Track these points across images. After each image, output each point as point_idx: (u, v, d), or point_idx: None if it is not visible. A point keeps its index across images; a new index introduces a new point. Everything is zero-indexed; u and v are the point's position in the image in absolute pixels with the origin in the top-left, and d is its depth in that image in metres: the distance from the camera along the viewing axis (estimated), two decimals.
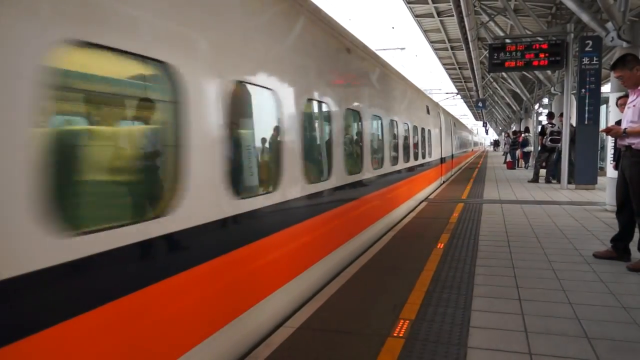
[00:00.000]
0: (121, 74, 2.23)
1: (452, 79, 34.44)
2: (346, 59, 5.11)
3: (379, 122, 6.37)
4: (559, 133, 12.45)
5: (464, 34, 14.95)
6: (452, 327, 2.99)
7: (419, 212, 7.87)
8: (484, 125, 59.88)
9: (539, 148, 13.97)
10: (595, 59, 10.46)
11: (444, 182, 13.86)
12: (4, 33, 1.50)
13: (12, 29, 1.52)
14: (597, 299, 3.50)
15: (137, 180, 2.32)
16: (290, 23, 3.67)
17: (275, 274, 3.26)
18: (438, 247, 5.23)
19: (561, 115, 12.97)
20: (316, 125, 4.44)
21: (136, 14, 2.02)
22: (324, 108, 4.39)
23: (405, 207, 8.04)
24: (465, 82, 33.67)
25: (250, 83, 3.00)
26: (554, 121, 13.12)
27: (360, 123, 5.48)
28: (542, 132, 13.25)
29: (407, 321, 3.09)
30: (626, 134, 4.26)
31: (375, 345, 2.74)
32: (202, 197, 2.42)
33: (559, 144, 12.33)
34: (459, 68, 27.85)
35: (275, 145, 3.34)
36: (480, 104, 28.78)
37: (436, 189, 12.06)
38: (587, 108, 10.65)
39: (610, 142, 8.16)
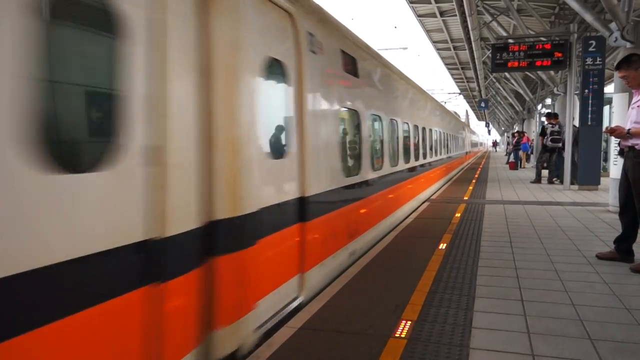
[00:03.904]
0: None
1: (454, 78, 34.40)
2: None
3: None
4: (560, 133, 12.42)
5: (467, 33, 14.92)
6: (454, 327, 2.98)
7: (421, 213, 7.86)
8: (487, 125, 59.94)
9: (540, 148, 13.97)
10: (598, 59, 10.42)
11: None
12: None
13: None
14: (600, 300, 3.49)
15: None
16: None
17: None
18: (440, 247, 5.22)
19: (556, 115, 12.98)
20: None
21: None
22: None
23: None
24: (467, 82, 33.61)
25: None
26: (552, 121, 13.12)
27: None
28: (543, 132, 13.24)
29: (409, 322, 3.08)
30: (630, 134, 4.24)
31: (377, 346, 2.74)
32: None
33: (560, 144, 12.31)
34: (462, 68, 27.81)
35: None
36: (482, 104, 28.79)
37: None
38: (590, 109, 10.63)
39: (613, 142, 8.13)
